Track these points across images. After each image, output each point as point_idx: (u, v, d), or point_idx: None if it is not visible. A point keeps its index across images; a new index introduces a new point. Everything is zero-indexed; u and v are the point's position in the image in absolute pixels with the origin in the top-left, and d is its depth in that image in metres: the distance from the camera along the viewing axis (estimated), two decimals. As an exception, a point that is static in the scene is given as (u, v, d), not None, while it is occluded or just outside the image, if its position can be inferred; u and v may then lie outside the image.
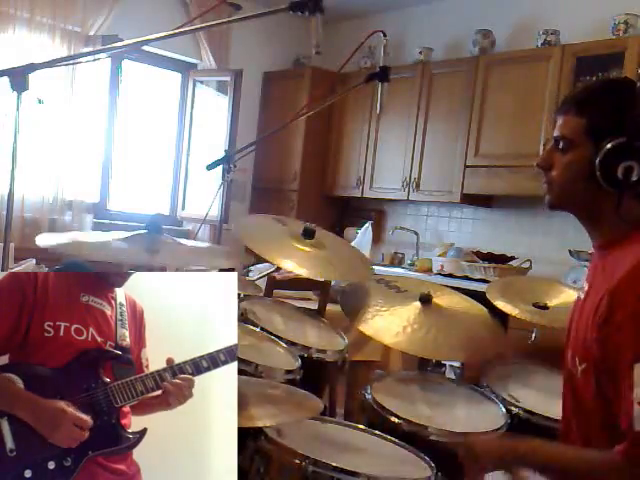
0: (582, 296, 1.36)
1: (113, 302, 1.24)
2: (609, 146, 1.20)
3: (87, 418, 1.14)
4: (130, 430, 1.19)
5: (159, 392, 1.21)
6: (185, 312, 1.29)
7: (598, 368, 1.22)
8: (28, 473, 1.11)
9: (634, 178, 1.19)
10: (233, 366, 1.27)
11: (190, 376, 1.22)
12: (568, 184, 1.30)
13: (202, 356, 1.24)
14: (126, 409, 1.20)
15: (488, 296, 2.30)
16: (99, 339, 1.20)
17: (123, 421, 1.19)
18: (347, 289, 2.28)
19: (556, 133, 1.32)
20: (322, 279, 1.96)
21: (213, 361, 1.25)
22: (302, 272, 1.94)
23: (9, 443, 1.10)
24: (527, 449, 1.28)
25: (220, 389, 1.26)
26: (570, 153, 1.28)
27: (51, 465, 1.12)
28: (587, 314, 1.26)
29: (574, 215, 1.35)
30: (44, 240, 1.47)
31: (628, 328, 1.14)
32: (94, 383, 1.17)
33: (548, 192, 1.34)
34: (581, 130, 1.25)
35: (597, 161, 1.22)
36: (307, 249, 2.03)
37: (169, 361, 1.23)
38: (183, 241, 1.68)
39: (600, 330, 1.19)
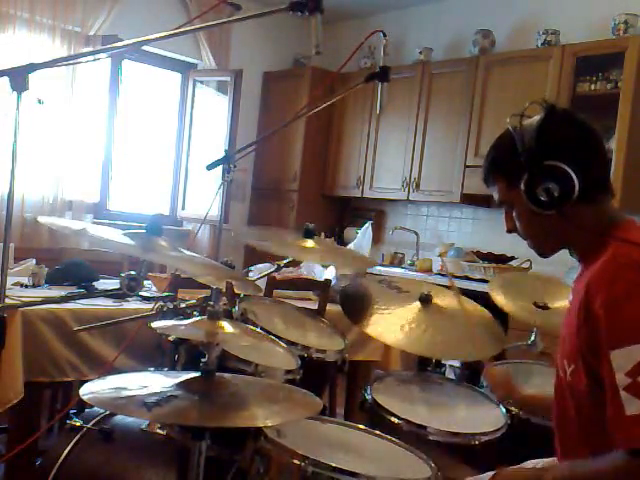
0: (569, 305, 1.45)
1: None
2: (522, 186, 1.35)
3: None
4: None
5: None
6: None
7: (589, 364, 1.26)
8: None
9: (556, 194, 1.31)
10: None
11: None
12: (532, 232, 1.43)
13: None
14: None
15: (490, 292, 2.31)
16: None
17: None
18: (347, 289, 2.27)
19: (497, 201, 1.47)
20: (328, 264, 2.09)
21: None
22: (315, 260, 2.05)
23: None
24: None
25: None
26: (515, 209, 1.42)
27: None
28: (570, 318, 1.34)
29: (564, 249, 1.44)
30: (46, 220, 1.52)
31: (601, 318, 1.20)
32: None
33: (532, 247, 1.46)
34: (507, 189, 1.41)
35: (527, 201, 1.35)
36: (311, 246, 2.06)
37: None
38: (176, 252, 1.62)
39: (583, 327, 1.25)
